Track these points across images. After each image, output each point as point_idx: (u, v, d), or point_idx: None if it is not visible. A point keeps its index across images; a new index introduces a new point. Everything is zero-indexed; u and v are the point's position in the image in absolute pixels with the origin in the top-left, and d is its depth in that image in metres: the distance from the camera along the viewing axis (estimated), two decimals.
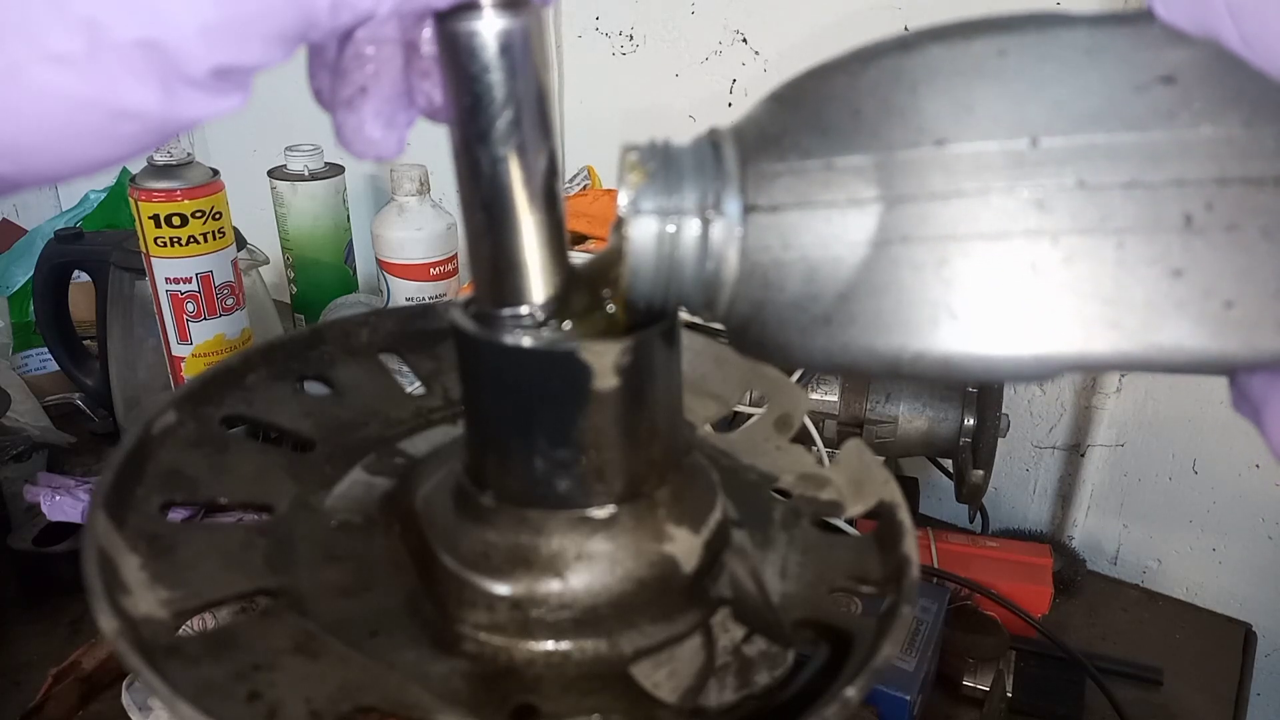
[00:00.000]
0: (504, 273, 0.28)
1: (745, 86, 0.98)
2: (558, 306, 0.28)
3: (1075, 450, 0.92)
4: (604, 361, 0.27)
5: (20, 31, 0.20)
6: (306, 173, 1.02)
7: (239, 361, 0.38)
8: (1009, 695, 0.66)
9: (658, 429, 0.30)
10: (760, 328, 0.25)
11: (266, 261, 0.95)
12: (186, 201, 0.72)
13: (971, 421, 0.74)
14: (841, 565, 0.34)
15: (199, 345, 0.78)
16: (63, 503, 0.71)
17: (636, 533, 0.30)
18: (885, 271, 0.23)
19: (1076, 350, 0.21)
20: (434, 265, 0.93)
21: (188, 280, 0.75)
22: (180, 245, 0.73)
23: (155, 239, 0.73)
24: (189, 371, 0.78)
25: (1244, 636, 0.79)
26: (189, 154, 0.74)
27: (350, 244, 1.08)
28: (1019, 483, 0.96)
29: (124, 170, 1.19)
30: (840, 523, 0.38)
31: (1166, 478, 0.89)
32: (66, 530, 0.73)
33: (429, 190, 0.94)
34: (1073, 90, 0.22)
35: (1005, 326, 0.22)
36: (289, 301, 1.10)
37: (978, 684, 0.66)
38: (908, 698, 0.58)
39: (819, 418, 0.77)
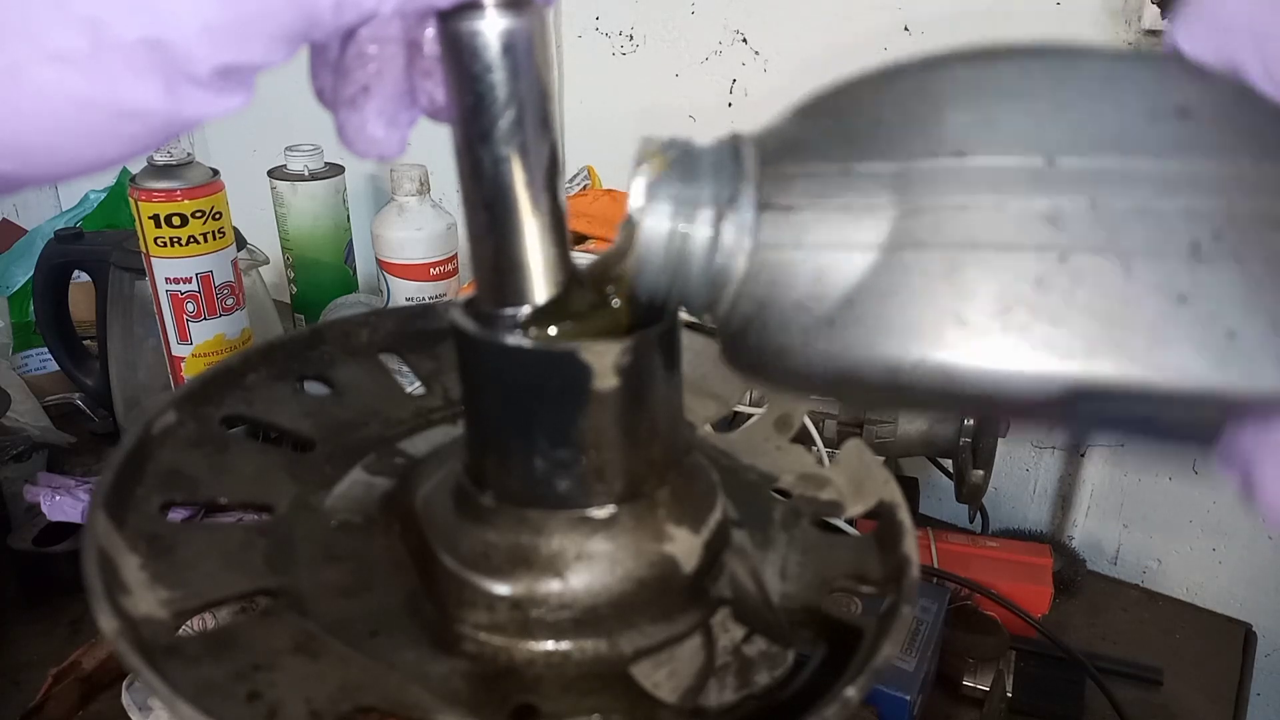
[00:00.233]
0: (506, 272, 0.28)
1: (745, 86, 0.98)
2: (560, 306, 0.28)
3: (1075, 450, 0.92)
4: (604, 361, 0.27)
5: (23, 31, 0.20)
6: (306, 173, 1.02)
7: (239, 361, 0.38)
8: (1009, 695, 0.66)
9: (658, 429, 0.30)
10: (760, 329, 0.25)
11: (266, 261, 0.94)
12: (186, 201, 0.72)
13: (971, 421, 0.74)
14: (841, 565, 0.34)
15: (199, 345, 0.78)
16: (63, 503, 0.71)
17: (636, 533, 0.30)
18: (895, 276, 0.23)
19: (1078, 370, 0.21)
20: (434, 265, 0.93)
21: (188, 280, 0.75)
22: (180, 245, 0.73)
23: (155, 239, 0.73)
24: (189, 371, 0.78)
25: (1244, 636, 0.79)
26: (189, 154, 0.74)
27: (350, 244, 1.08)
28: (1019, 483, 0.96)
29: (124, 170, 1.19)
30: (840, 523, 0.38)
31: (1166, 478, 0.89)
32: (66, 530, 0.73)
33: (429, 190, 0.94)
34: (1091, 115, 0.22)
35: (1010, 339, 0.21)
36: (289, 301, 1.10)
37: (978, 684, 0.66)
38: (908, 698, 0.58)
39: (819, 418, 0.77)
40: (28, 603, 0.72)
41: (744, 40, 0.97)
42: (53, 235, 0.89)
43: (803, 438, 0.40)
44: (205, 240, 0.74)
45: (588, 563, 0.29)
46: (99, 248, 0.87)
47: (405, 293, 0.94)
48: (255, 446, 0.37)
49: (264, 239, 0.99)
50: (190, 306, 0.76)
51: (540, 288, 0.28)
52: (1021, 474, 0.96)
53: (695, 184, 0.25)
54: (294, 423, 0.38)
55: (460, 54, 0.25)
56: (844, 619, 0.31)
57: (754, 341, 0.25)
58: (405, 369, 0.42)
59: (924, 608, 0.64)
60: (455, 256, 0.95)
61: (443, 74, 0.25)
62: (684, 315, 0.28)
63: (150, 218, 0.72)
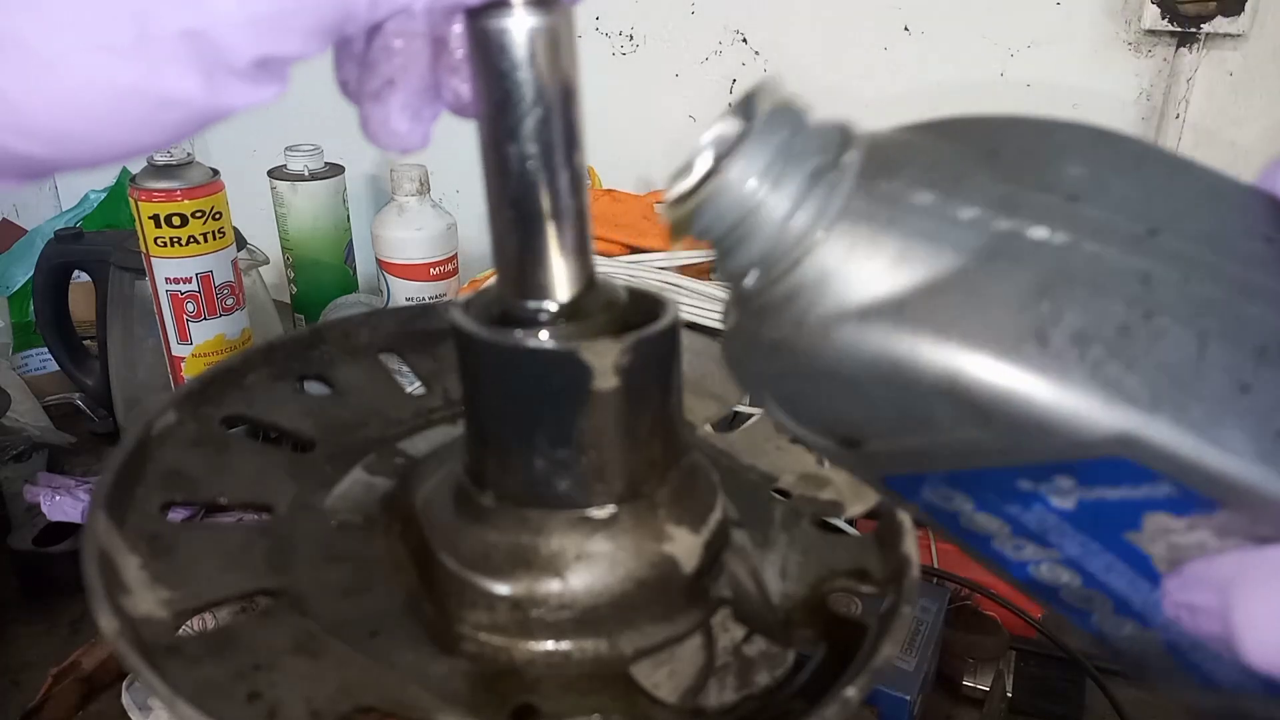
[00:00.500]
0: (530, 269, 0.28)
1: (745, 86, 0.98)
2: (580, 303, 0.28)
3: None
4: (604, 361, 0.27)
5: (73, 22, 0.20)
6: (306, 173, 1.02)
7: (239, 361, 0.38)
8: (1009, 695, 0.66)
9: (658, 429, 0.30)
10: (810, 302, 0.24)
11: (266, 261, 0.94)
12: (186, 201, 0.72)
13: None
14: (842, 565, 0.34)
15: (199, 345, 0.78)
16: (63, 503, 0.71)
17: (636, 533, 0.30)
18: (986, 280, 0.23)
19: (1136, 419, 0.21)
20: (434, 265, 0.93)
21: (188, 280, 0.75)
22: (180, 245, 0.73)
23: (155, 239, 0.73)
24: (189, 371, 0.78)
25: None
26: (189, 154, 0.74)
27: (350, 244, 1.08)
28: None
29: (124, 170, 1.19)
30: (840, 523, 0.38)
31: None
32: (66, 530, 0.73)
33: (429, 190, 0.94)
34: (1194, 211, 0.24)
35: (1083, 369, 0.22)
36: (289, 301, 1.10)
37: (978, 684, 0.66)
38: (908, 698, 0.58)
39: None
40: (28, 603, 0.72)
41: (744, 40, 0.97)
42: (53, 235, 0.89)
43: None
44: (205, 240, 0.74)
45: (588, 563, 0.29)
46: (99, 248, 0.87)
47: (405, 293, 0.94)
48: (255, 446, 0.37)
49: (264, 239, 0.99)
50: (190, 306, 0.76)
51: (563, 284, 0.28)
52: None
53: (801, 139, 0.24)
54: (294, 423, 0.38)
55: (489, 51, 0.25)
56: (844, 619, 0.31)
57: (795, 315, 0.24)
58: (405, 369, 0.42)
59: (924, 608, 0.64)
60: (455, 256, 0.95)
61: (470, 71, 0.26)
62: (688, 311, 0.28)
63: (150, 218, 0.72)
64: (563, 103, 0.26)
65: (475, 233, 1.01)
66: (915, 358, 0.23)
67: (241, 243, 0.86)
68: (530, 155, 0.26)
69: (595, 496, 0.29)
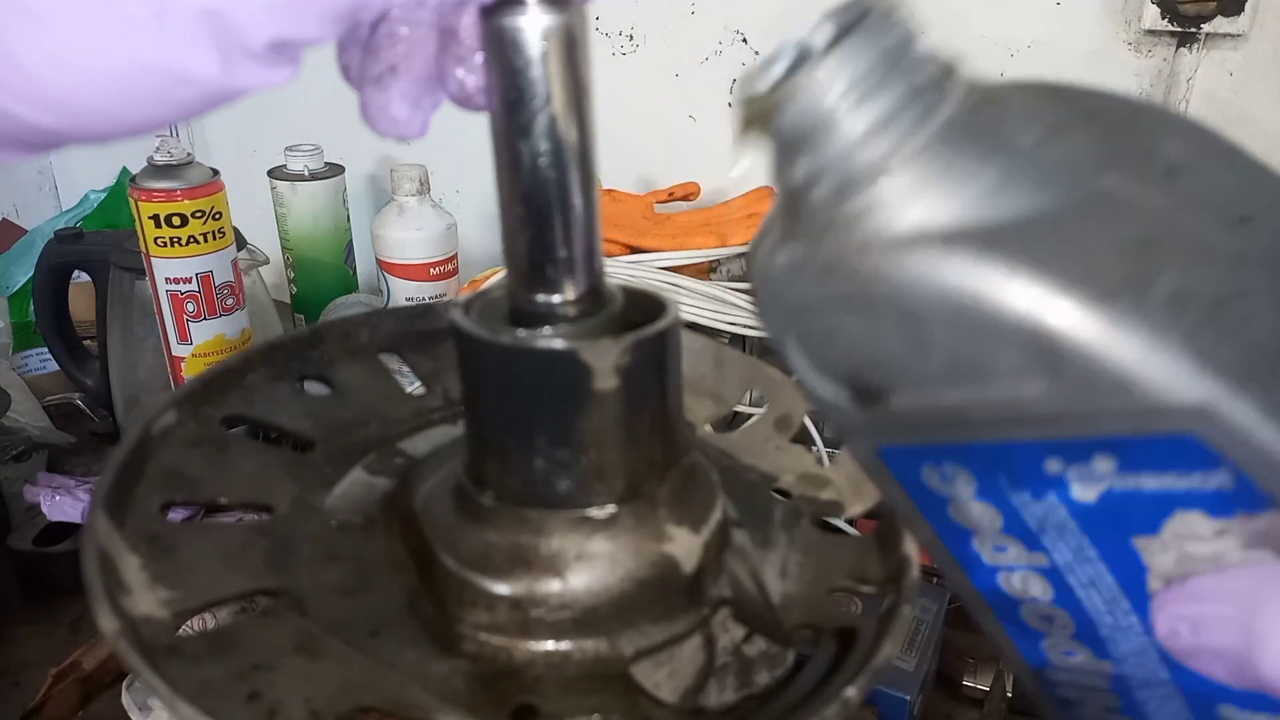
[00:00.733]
0: (540, 265, 0.28)
1: None
2: (586, 301, 0.29)
3: None
4: (604, 361, 0.27)
5: None
6: (306, 173, 1.02)
7: (239, 361, 0.38)
8: (1009, 695, 0.66)
9: (658, 429, 0.30)
10: (883, 224, 0.22)
11: (266, 261, 0.94)
12: (186, 201, 0.72)
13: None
14: (841, 565, 0.34)
15: (199, 345, 0.78)
16: (63, 503, 0.71)
17: (636, 533, 0.30)
18: (1087, 225, 0.21)
19: (1221, 391, 0.20)
20: (434, 265, 0.93)
21: (188, 280, 0.75)
22: (180, 245, 0.73)
23: (155, 239, 0.73)
24: (189, 371, 0.78)
25: None
26: (189, 154, 0.74)
27: (350, 244, 1.08)
28: None
29: (124, 170, 1.20)
30: (840, 523, 0.38)
31: None
32: (66, 530, 0.73)
33: (429, 190, 0.94)
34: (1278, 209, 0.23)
35: (1176, 332, 0.20)
36: (289, 301, 1.10)
37: (978, 684, 0.65)
38: (908, 698, 0.58)
39: (819, 418, 0.77)
40: (28, 603, 0.72)
41: (744, 40, 0.97)
42: (53, 235, 0.89)
43: (803, 438, 0.40)
44: (205, 240, 0.74)
45: (588, 563, 0.29)
46: (99, 248, 0.87)
47: (405, 293, 0.94)
48: (255, 446, 0.37)
49: (264, 239, 0.99)
50: (190, 306, 0.76)
51: (572, 280, 0.28)
52: None
53: (907, 51, 0.23)
54: (294, 423, 0.38)
55: (503, 49, 0.25)
56: (844, 619, 0.31)
57: (865, 233, 0.23)
58: (405, 369, 0.42)
59: (924, 608, 0.64)
60: (455, 256, 0.95)
61: (483, 67, 0.26)
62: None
63: (150, 218, 0.72)
64: (575, 101, 0.26)
65: (475, 233, 1.01)
66: (1001, 291, 0.21)
67: (241, 243, 0.86)
68: (542, 152, 0.26)
69: (595, 496, 0.29)
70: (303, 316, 1.09)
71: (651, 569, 0.30)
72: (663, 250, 0.80)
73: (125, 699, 0.59)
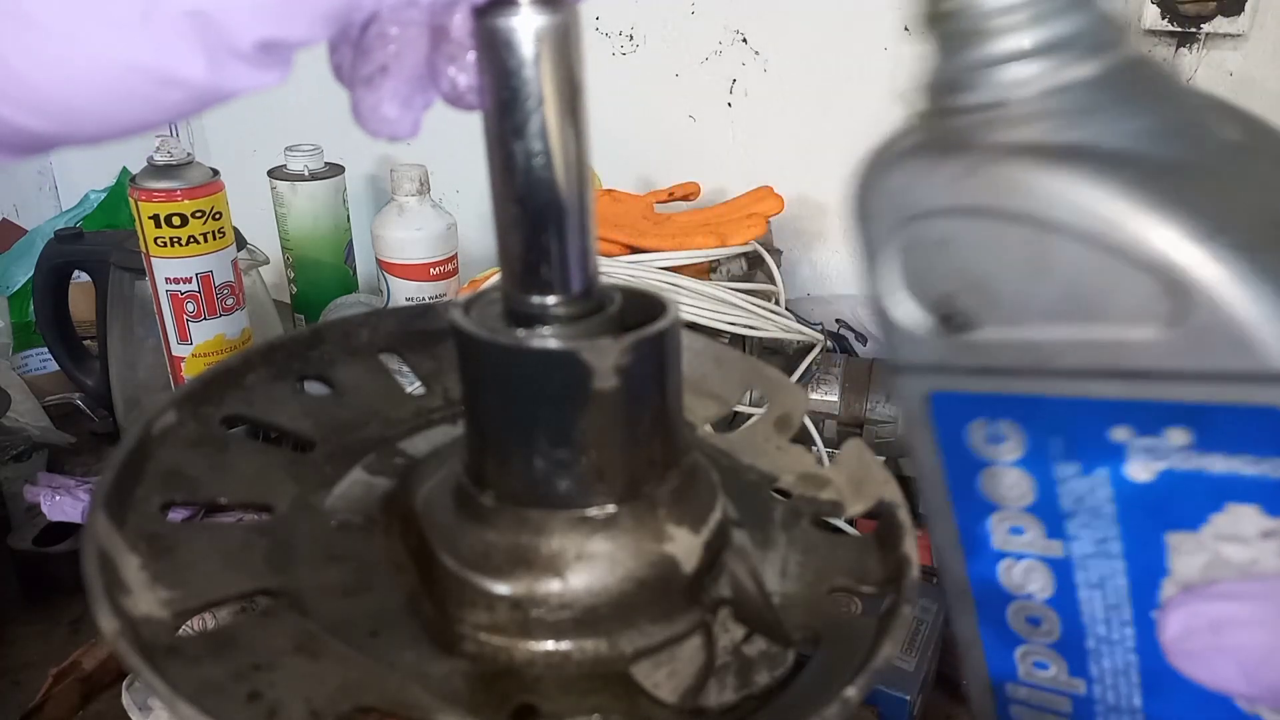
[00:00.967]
0: (534, 266, 0.28)
1: (745, 87, 0.98)
2: (583, 301, 0.28)
3: None
4: (604, 361, 0.27)
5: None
6: (306, 173, 1.02)
7: (239, 361, 0.38)
8: None
9: (658, 429, 0.30)
10: (1053, 130, 0.22)
11: (266, 261, 0.94)
12: (186, 201, 0.72)
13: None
14: (841, 565, 0.34)
15: (199, 345, 0.78)
16: (63, 503, 0.71)
17: (636, 533, 0.30)
18: (1242, 187, 0.22)
19: None
20: (434, 265, 0.93)
21: (188, 280, 0.75)
22: (180, 245, 0.73)
23: (155, 239, 0.73)
24: (189, 371, 0.78)
25: None
26: (189, 154, 0.74)
27: (350, 244, 1.08)
28: None
29: (124, 170, 1.20)
30: (840, 523, 0.38)
31: None
32: (66, 530, 0.73)
33: (429, 190, 0.94)
34: None
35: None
36: (289, 301, 1.10)
37: None
38: (908, 698, 0.58)
39: (819, 418, 0.77)
40: (28, 603, 0.73)
41: (744, 40, 0.97)
42: (53, 235, 0.89)
43: (803, 438, 0.40)
44: (205, 240, 0.74)
45: (588, 563, 0.29)
46: (99, 248, 0.87)
47: (405, 293, 0.94)
48: (255, 446, 0.37)
49: (264, 239, 0.99)
50: (190, 306, 0.76)
51: (568, 280, 0.28)
52: None
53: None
54: (294, 423, 0.38)
55: (496, 49, 0.25)
56: (844, 619, 0.31)
57: (1018, 141, 0.22)
58: (405, 369, 0.42)
59: (924, 608, 0.64)
60: (455, 256, 0.95)
61: (476, 68, 0.26)
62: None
63: (150, 218, 0.72)
64: (569, 101, 0.26)
65: (475, 233, 1.01)
66: (1147, 222, 0.21)
67: (241, 243, 0.86)
68: (536, 153, 0.26)
69: (595, 496, 0.29)
70: (303, 316, 1.09)
71: (651, 569, 0.30)
72: (663, 250, 0.80)
73: (125, 699, 0.59)
